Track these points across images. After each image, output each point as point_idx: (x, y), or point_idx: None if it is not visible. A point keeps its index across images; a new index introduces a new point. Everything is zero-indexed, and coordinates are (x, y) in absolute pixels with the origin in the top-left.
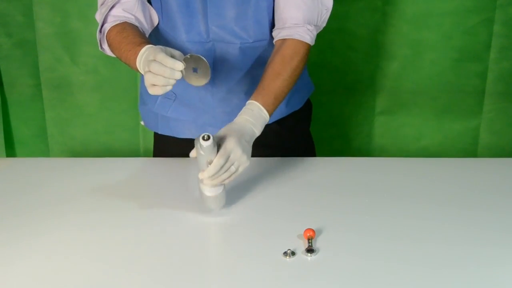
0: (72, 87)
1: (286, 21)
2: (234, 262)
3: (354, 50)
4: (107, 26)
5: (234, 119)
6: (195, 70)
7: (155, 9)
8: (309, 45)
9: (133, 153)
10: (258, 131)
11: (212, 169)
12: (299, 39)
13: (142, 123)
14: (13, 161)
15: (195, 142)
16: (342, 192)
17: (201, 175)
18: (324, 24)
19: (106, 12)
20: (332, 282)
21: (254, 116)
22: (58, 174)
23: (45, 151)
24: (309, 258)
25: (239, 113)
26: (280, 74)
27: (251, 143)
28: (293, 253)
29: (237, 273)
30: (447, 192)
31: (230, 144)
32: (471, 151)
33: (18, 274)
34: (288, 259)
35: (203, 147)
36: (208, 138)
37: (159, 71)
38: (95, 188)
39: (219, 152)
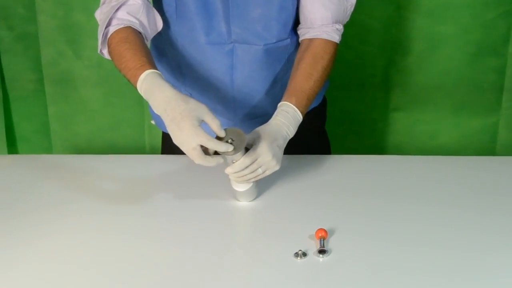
0: (76, 82)
1: (314, 21)
2: (243, 262)
3: (367, 44)
4: (111, 30)
5: (269, 121)
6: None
7: (166, 11)
8: (337, 44)
9: (139, 150)
10: (291, 134)
11: (236, 166)
12: (328, 38)
13: (152, 122)
14: (15, 158)
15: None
16: (355, 191)
17: (226, 170)
18: (348, 19)
19: (111, 14)
20: (345, 285)
21: (289, 118)
22: (61, 171)
23: (47, 148)
24: (320, 260)
25: (275, 115)
26: (312, 75)
27: (284, 147)
28: (304, 254)
29: (247, 274)
30: (464, 192)
31: (260, 148)
32: (489, 149)
33: (20, 274)
34: (299, 260)
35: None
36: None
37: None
38: (99, 186)
39: (248, 153)
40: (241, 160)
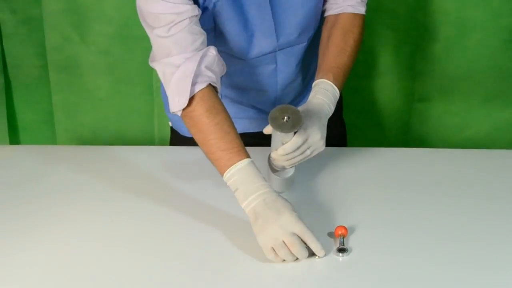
0: (82, 69)
1: None
2: (259, 262)
3: (392, 29)
4: (196, 88)
5: (309, 99)
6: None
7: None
8: (364, 15)
9: (147, 141)
10: (331, 112)
11: (288, 147)
12: (354, 12)
13: (170, 124)
14: (17, 149)
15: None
16: (376, 186)
17: (274, 154)
18: None
19: (194, 69)
20: (365, 285)
21: (329, 96)
22: (65, 163)
23: (51, 138)
24: (340, 259)
25: (314, 93)
26: (345, 50)
27: (326, 126)
28: None
29: (264, 273)
30: (494, 187)
31: (311, 127)
32: None
33: (20, 268)
34: (317, 259)
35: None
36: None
37: (298, 253)
38: (105, 179)
39: (299, 132)
40: (293, 140)
